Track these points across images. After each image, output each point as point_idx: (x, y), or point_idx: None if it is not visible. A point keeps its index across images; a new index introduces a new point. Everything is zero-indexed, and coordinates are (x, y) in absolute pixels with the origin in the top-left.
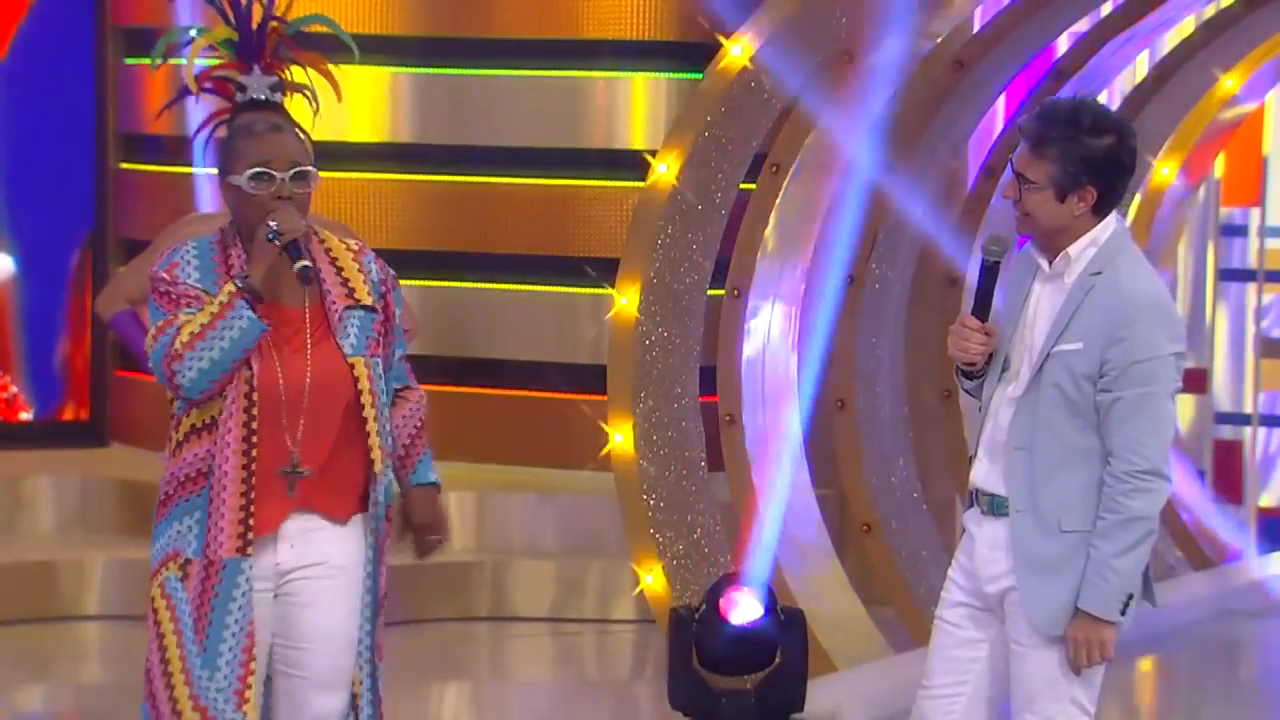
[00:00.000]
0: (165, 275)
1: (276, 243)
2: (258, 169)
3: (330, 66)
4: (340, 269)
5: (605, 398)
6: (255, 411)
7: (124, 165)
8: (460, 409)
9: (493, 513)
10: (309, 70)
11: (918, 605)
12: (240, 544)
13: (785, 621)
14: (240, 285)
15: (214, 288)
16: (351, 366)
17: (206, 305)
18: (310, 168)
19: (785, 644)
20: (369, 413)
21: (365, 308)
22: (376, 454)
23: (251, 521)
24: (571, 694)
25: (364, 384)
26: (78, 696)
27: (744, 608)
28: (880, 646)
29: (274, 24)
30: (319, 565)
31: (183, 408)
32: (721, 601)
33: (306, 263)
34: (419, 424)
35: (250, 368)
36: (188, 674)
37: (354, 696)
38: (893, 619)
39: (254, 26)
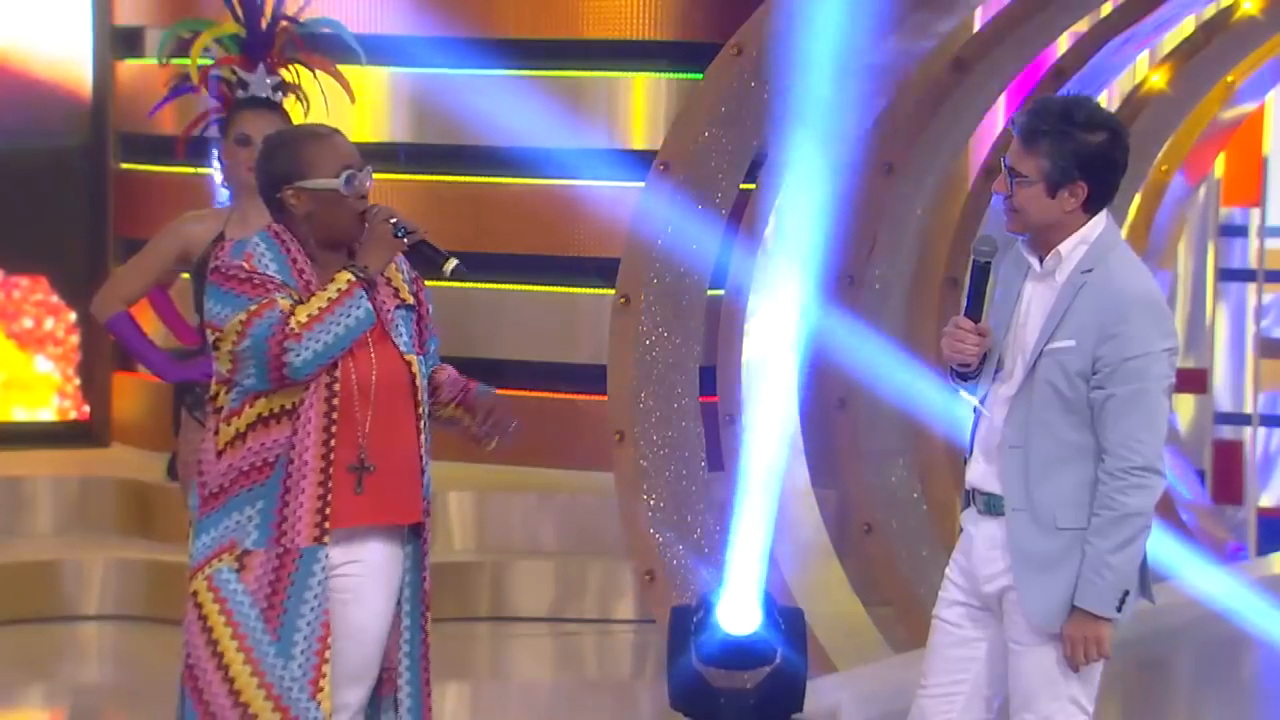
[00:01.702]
0: (245, 264)
1: (404, 239)
2: (350, 171)
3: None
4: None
5: (605, 398)
6: (336, 402)
7: (124, 165)
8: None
9: (493, 512)
10: (317, 72)
11: (918, 605)
12: (318, 533)
13: (784, 622)
14: (360, 275)
15: (291, 281)
16: (409, 364)
17: (320, 291)
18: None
19: (784, 644)
20: (421, 410)
21: (408, 306)
22: (423, 450)
23: (328, 511)
24: (571, 694)
25: (419, 381)
26: (77, 696)
27: (742, 615)
28: (880, 646)
29: (284, 24)
30: (359, 562)
31: (241, 399)
32: (718, 610)
33: (456, 260)
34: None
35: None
36: (255, 664)
37: (395, 691)
38: (893, 619)
39: (263, 25)
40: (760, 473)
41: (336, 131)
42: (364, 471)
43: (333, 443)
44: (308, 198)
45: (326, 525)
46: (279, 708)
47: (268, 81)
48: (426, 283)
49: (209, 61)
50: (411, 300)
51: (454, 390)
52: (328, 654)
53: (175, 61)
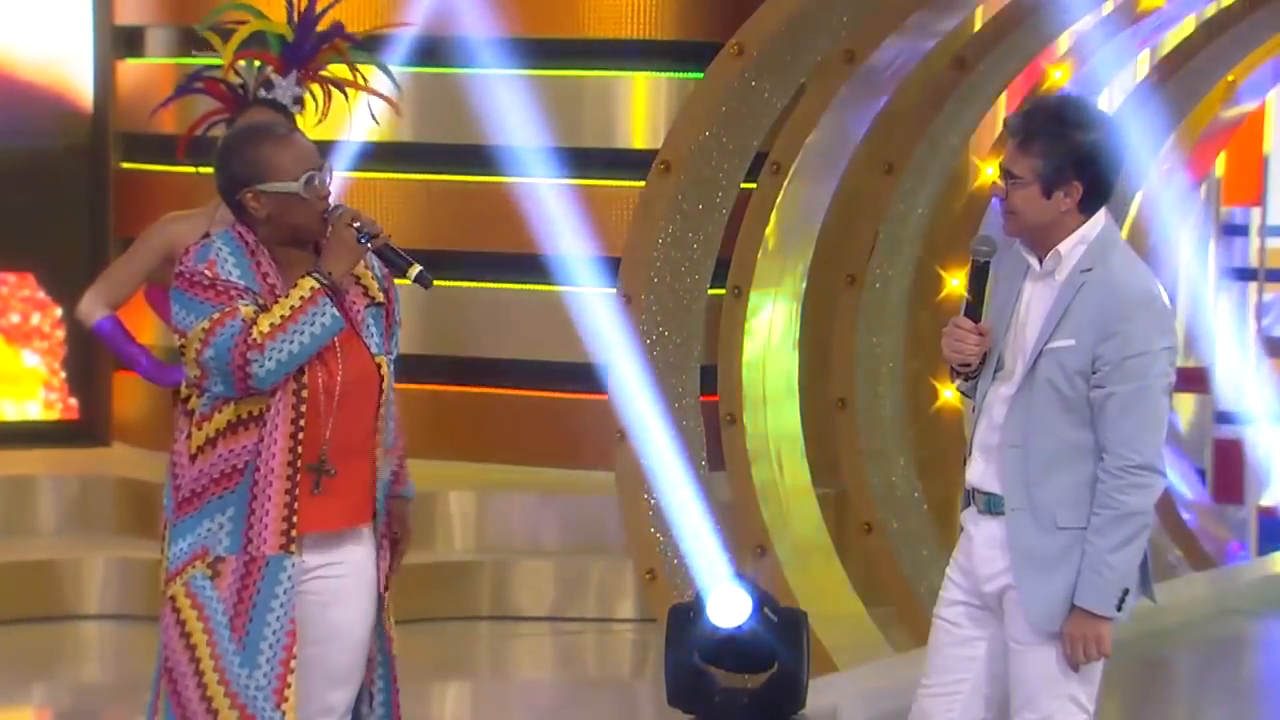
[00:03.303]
0: (207, 271)
1: (368, 245)
2: (310, 172)
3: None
4: None
5: (606, 397)
6: (304, 409)
7: (125, 165)
8: (460, 408)
9: (494, 512)
10: (346, 92)
11: (918, 604)
12: (284, 541)
13: (781, 620)
14: (324, 282)
15: (255, 285)
16: (378, 366)
17: (282, 299)
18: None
19: (785, 643)
20: (384, 410)
21: (378, 304)
22: (379, 451)
23: (295, 519)
24: (572, 692)
25: (387, 383)
26: (77, 695)
27: (731, 609)
28: (881, 645)
29: (337, 43)
30: (340, 564)
31: (211, 404)
32: (709, 604)
33: (420, 267)
34: (403, 446)
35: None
36: (222, 672)
37: (370, 689)
38: (893, 618)
39: (313, 39)
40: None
41: (295, 130)
42: (323, 474)
43: (299, 449)
44: (268, 201)
45: (293, 533)
46: (244, 716)
47: (293, 91)
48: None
49: (216, 61)
50: (382, 298)
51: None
52: (293, 663)
53: (186, 61)
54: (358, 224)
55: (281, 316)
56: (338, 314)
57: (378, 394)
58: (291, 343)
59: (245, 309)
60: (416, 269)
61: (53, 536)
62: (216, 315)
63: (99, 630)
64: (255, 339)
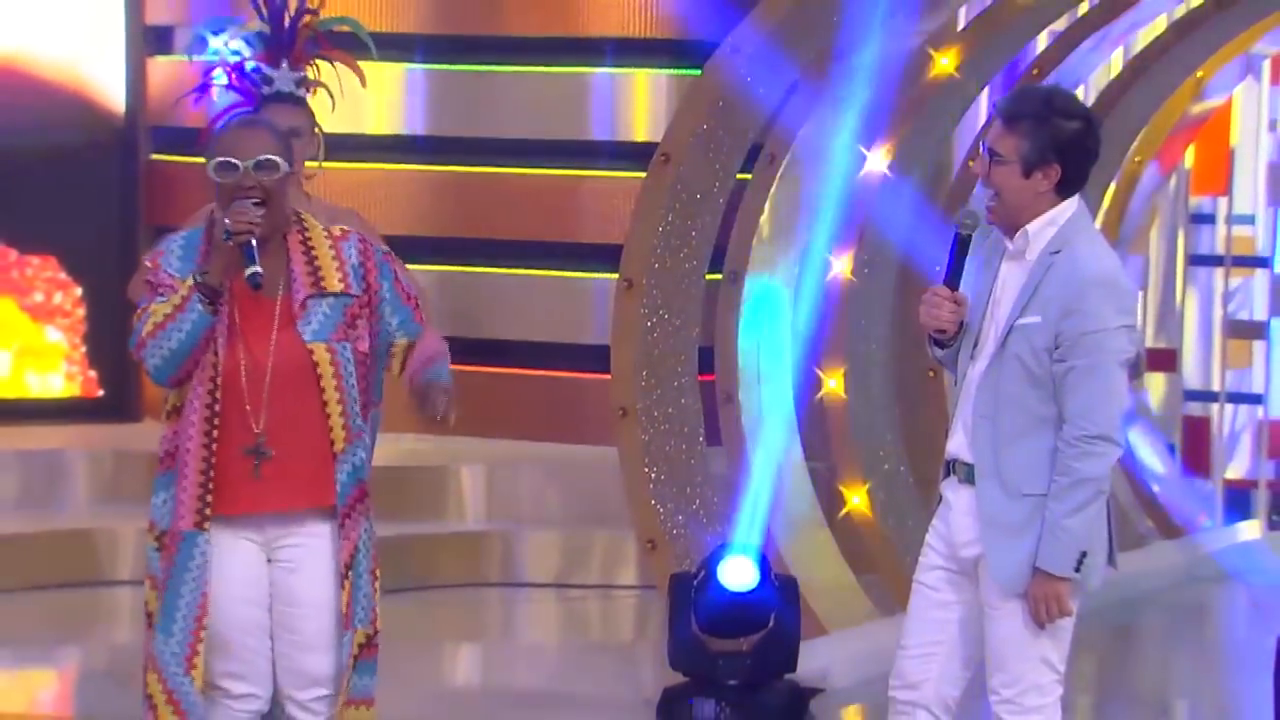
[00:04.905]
0: (149, 263)
1: (229, 243)
2: (220, 158)
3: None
4: (314, 258)
5: (609, 376)
6: (218, 394)
7: (155, 156)
8: (470, 387)
9: (502, 485)
10: (335, 63)
11: (903, 572)
12: (198, 519)
13: (779, 587)
14: (198, 280)
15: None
16: (310, 353)
17: (171, 297)
18: (275, 158)
19: (778, 608)
20: (329, 395)
21: (335, 294)
22: (337, 434)
23: (210, 498)
24: (576, 655)
25: (324, 369)
26: (111, 656)
27: (740, 574)
28: (868, 611)
29: (307, 19)
30: (298, 534)
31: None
32: (719, 568)
33: (256, 269)
34: (433, 353)
35: (216, 353)
36: (149, 639)
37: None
38: (879, 585)
39: (287, 23)
40: (766, 448)
41: (253, 122)
42: (261, 457)
43: (215, 433)
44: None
45: (208, 511)
46: (160, 679)
47: (291, 77)
48: (438, 266)
49: (236, 58)
50: (342, 288)
51: (411, 367)
52: (203, 633)
53: (204, 59)
54: (227, 220)
55: (164, 315)
56: (203, 310)
57: (314, 379)
58: (170, 339)
59: (154, 306)
60: (249, 271)
61: (88, 507)
62: (138, 311)
63: (132, 595)
64: (142, 338)
